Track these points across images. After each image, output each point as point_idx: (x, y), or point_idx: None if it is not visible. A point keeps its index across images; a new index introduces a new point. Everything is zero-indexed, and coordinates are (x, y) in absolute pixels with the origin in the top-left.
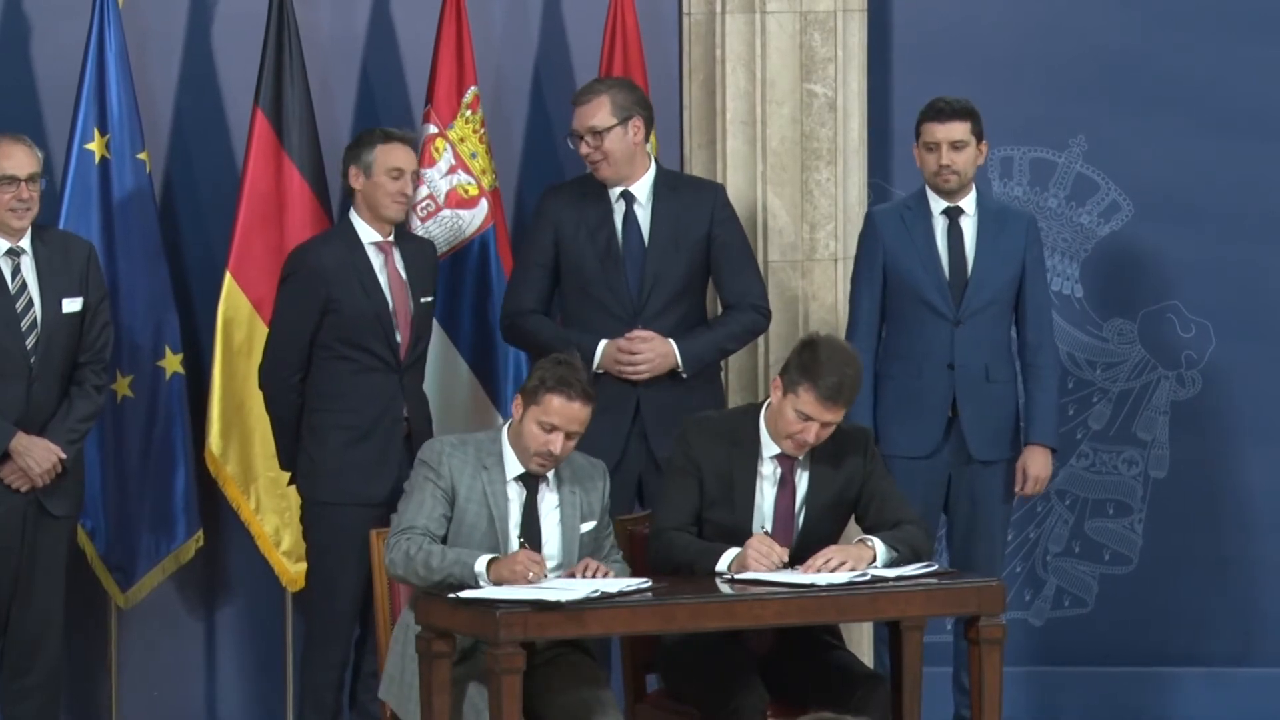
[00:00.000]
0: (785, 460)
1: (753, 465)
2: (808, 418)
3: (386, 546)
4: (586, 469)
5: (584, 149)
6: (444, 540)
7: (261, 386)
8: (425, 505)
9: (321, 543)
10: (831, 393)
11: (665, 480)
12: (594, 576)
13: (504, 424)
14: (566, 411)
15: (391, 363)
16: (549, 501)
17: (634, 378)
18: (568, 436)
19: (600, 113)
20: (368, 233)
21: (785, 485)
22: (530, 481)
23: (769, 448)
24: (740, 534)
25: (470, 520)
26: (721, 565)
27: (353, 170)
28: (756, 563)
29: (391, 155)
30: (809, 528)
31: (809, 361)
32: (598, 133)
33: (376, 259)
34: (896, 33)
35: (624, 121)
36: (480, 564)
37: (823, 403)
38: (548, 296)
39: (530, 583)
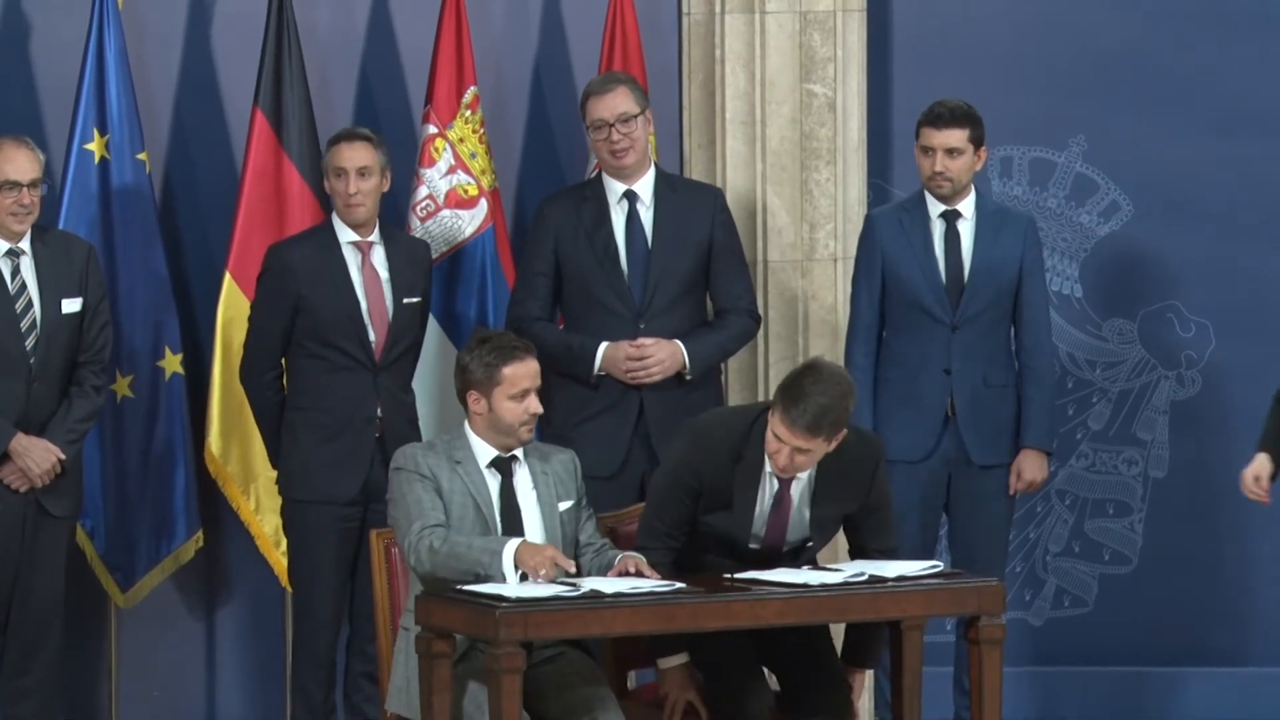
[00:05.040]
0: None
1: (755, 481)
2: (780, 440)
3: (406, 550)
4: (554, 451)
5: (614, 136)
6: None
7: (241, 382)
8: (424, 500)
9: (296, 540)
10: (801, 420)
11: (663, 479)
12: (634, 574)
13: (463, 423)
14: (526, 370)
15: (365, 362)
16: (524, 481)
17: (645, 381)
18: (536, 392)
19: (627, 100)
20: (345, 233)
21: (780, 504)
22: (504, 465)
23: (770, 463)
24: (736, 542)
25: (456, 513)
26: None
27: (325, 175)
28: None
29: (335, 156)
30: (802, 538)
31: (790, 382)
32: (627, 120)
33: (353, 259)
34: (896, 32)
35: (643, 111)
36: (508, 551)
37: (790, 428)
38: (552, 304)
39: (545, 579)
